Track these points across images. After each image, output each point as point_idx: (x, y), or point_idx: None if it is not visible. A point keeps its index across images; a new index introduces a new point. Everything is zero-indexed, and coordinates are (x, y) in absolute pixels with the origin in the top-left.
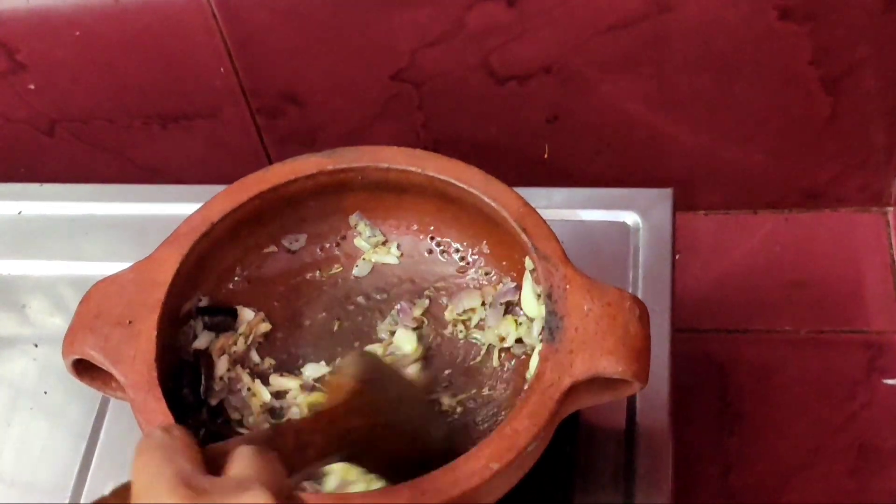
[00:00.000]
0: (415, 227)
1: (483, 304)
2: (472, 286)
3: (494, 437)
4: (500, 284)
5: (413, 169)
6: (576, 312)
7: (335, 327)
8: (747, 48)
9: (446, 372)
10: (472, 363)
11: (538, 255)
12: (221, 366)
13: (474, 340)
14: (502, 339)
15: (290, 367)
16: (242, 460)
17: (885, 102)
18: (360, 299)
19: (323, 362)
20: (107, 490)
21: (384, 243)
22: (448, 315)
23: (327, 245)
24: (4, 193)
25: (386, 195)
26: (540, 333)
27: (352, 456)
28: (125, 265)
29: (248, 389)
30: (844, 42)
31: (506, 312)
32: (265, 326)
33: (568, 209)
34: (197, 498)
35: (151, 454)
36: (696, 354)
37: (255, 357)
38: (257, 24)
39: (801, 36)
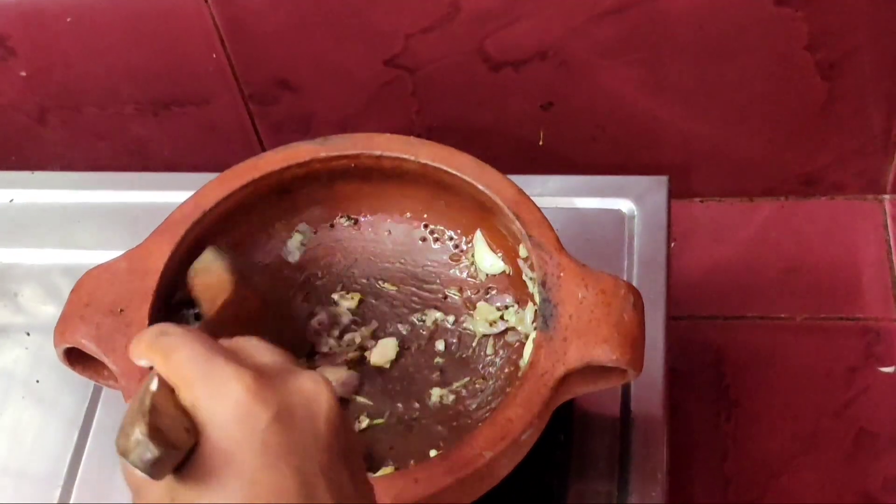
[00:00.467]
0: (408, 214)
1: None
2: (465, 274)
3: (488, 426)
4: None
5: (406, 156)
6: (570, 300)
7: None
8: (743, 33)
9: (437, 361)
10: (465, 353)
11: (532, 243)
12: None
13: (467, 330)
14: (493, 324)
15: None
16: (263, 348)
17: (881, 88)
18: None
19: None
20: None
21: None
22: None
23: (320, 233)
24: None
25: (379, 183)
26: (534, 321)
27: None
28: (117, 253)
29: None
30: (841, 27)
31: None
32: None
33: (563, 196)
34: (262, 378)
35: (188, 348)
36: (691, 341)
37: None
38: (250, 10)
39: (797, 21)
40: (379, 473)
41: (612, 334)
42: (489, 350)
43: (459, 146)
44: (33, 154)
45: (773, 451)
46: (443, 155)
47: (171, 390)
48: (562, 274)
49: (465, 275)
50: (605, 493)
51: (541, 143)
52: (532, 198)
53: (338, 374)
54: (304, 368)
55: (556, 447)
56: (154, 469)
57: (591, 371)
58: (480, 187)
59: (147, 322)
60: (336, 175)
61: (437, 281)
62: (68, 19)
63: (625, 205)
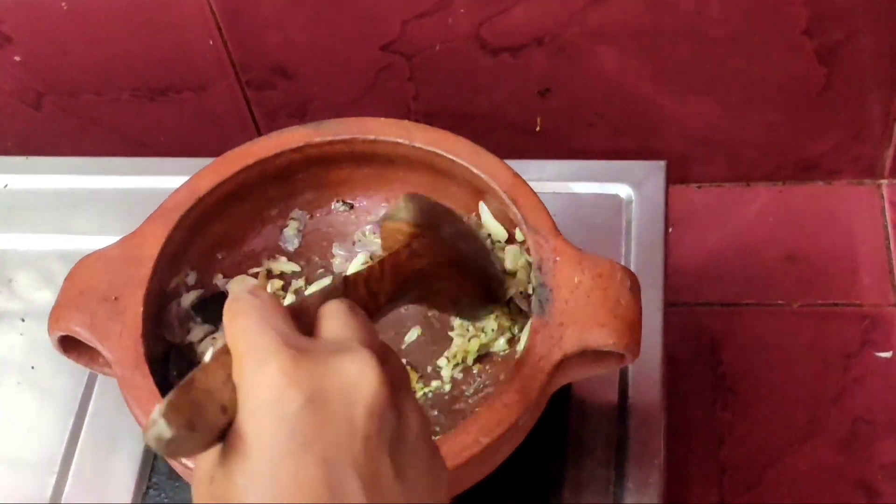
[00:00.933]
0: None
1: None
2: None
3: (484, 411)
4: None
5: (401, 140)
6: (566, 285)
7: None
8: (741, 18)
9: (434, 347)
10: None
11: (528, 228)
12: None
13: None
14: None
15: None
16: (336, 319)
17: (879, 73)
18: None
19: None
20: (90, 467)
21: None
22: None
23: (315, 218)
24: None
25: (374, 167)
26: (530, 306)
27: (419, 297)
28: (113, 239)
29: None
30: (839, 12)
31: None
32: None
33: (560, 182)
34: (302, 359)
35: (248, 317)
36: (688, 328)
37: None
38: None
39: (795, 5)
40: None
41: (609, 318)
42: None
43: (457, 131)
44: (28, 139)
45: (770, 437)
46: (438, 139)
47: (230, 359)
48: (558, 258)
49: None
50: (602, 478)
51: (538, 129)
52: (529, 182)
53: None
54: (363, 348)
55: (554, 432)
56: (168, 449)
57: (588, 355)
58: (476, 171)
59: (141, 310)
60: (330, 160)
61: None
62: (64, 5)
63: (622, 190)
